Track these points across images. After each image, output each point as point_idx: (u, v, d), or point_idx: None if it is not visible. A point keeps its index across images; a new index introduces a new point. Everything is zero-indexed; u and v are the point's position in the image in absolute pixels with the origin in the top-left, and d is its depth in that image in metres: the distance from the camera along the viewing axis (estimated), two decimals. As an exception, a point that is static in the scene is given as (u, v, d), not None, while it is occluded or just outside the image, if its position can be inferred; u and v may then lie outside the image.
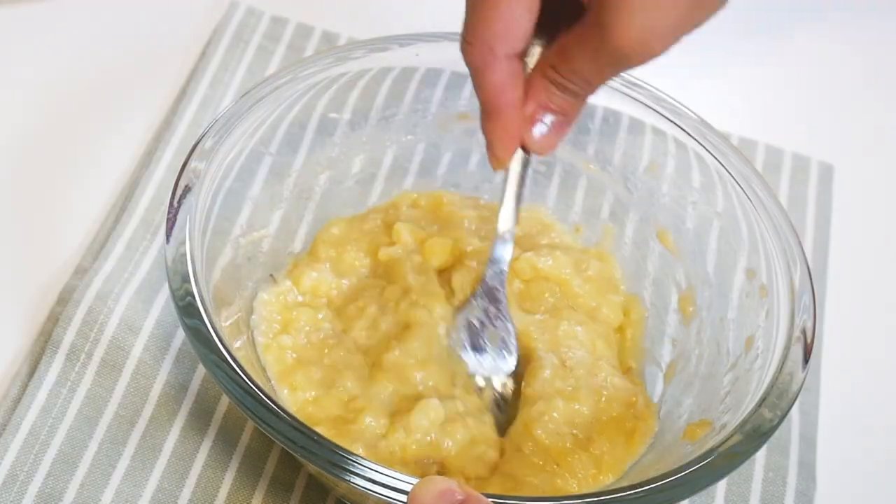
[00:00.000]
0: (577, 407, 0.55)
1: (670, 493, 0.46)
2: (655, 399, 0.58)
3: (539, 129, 0.52)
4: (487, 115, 0.51)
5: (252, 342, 0.57)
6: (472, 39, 0.50)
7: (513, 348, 0.57)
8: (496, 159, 0.53)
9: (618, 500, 0.46)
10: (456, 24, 0.60)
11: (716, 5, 0.48)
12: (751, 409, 0.49)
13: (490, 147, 0.52)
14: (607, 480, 0.53)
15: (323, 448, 0.46)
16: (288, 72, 0.58)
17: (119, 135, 0.69)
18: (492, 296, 0.57)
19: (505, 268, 0.56)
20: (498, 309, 0.57)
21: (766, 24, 0.81)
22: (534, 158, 0.54)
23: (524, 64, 0.51)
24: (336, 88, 0.60)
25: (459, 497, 0.40)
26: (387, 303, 0.58)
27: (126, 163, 0.68)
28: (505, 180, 0.54)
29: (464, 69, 0.62)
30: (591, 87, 0.50)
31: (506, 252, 0.56)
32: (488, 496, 0.42)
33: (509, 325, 0.57)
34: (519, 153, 0.53)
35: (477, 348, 0.56)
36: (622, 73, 0.60)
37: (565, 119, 0.52)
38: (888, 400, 0.64)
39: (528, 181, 0.55)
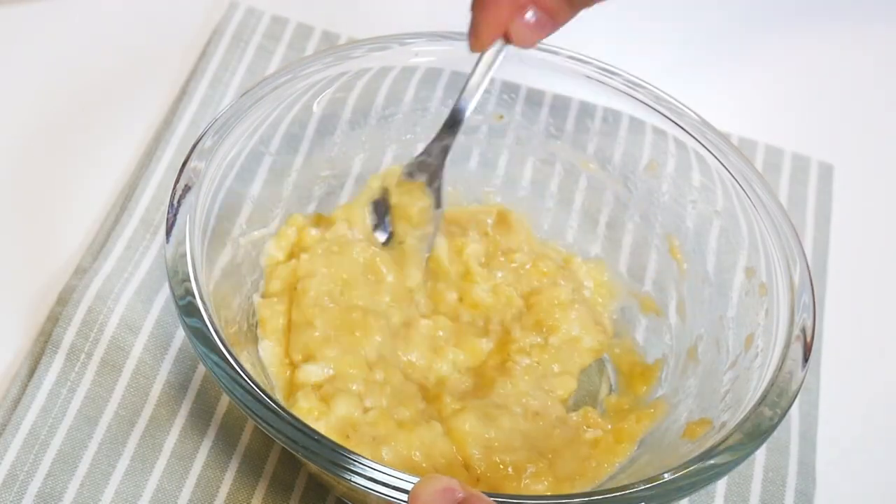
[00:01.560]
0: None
1: (670, 492, 0.46)
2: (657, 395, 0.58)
3: (524, 21, 0.53)
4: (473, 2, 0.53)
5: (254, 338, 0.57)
6: None
7: None
8: (478, 41, 0.54)
9: (617, 500, 0.46)
10: (455, 24, 0.60)
11: None
12: (751, 408, 0.49)
13: (474, 28, 0.54)
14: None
15: (323, 448, 0.46)
16: (288, 71, 0.58)
17: (119, 135, 0.69)
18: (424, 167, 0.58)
19: (450, 143, 0.58)
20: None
21: (766, 24, 0.81)
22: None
23: None
24: (336, 88, 0.60)
25: (460, 495, 0.40)
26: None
27: (126, 163, 0.68)
28: (476, 62, 0.56)
29: (464, 69, 0.62)
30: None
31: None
32: (489, 495, 0.42)
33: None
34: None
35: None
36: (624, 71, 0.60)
37: (551, 20, 0.53)
38: (888, 399, 0.64)
39: (496, 67, 0.56)
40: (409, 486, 0.44)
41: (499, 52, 0.55)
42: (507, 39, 0.54)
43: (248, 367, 0.48)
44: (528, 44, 0.54)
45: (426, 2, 0.78)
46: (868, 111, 0.77)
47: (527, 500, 0.48)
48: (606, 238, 0.64)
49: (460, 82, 0.63)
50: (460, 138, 0.64)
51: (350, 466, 0.45)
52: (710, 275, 0.59)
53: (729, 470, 0.48)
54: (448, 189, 0.64)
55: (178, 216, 0.52)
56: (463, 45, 0.60)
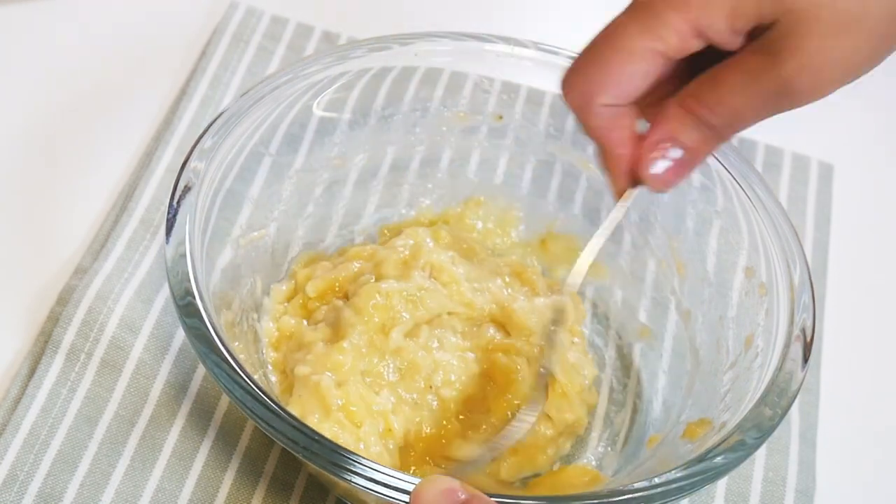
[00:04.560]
0: None
1: (670, 492, 0.46)
2: (657, 402, 0.58)
3: (657, 163, 0.47)
4: (598, 149, 0.49)
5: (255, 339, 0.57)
6: (572, 80, 0.46)
7: None
8: (616, 190, 0.50)
9: (617, 500, 0.46)
10: (456, 24, 0.60)
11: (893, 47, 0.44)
12: (751, 408, 0.49)
13: (608, 178, 0.49)
14: None
15: (323, 448, 0.46)
16: (288, 71, 0.58)
17: (119, 134, 0.69)
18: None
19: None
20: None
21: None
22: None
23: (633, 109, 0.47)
24: (336, 88, 0.60)
25: (462, 496, 0.40)
26: None
27: (126, 163, 0.68)
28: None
29: (463, 69, 0.62)
30: (736, 124, 0.45)
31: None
32: (491, 496, 0.42)
33: None
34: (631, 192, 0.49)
35: None
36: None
37: (690, 158, 0.47)
38: (888, 399, 0.64)
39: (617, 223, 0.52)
40: (408, 487, 0.44)
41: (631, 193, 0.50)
42: (640, 182, 0.48)
43: (247, 367, 0.48)
44: (664, 188, 0.48)
45: (426, 2, 0.78)
46: (868, 111, 0.77)
47: (527, 500, 0.48)
48: (606, 238, 0.64)
49: (460, 82, 0.63)
50: (460, 138, 0.64)
51: (350, 467, 0.45)
52: (709, 275, 0.59)
53: (729, 470, 0.48)
54: (447, 190, 0.65)
55: (178, 216, 0.52)
56: (463, 46, 0.61)
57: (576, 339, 0.60)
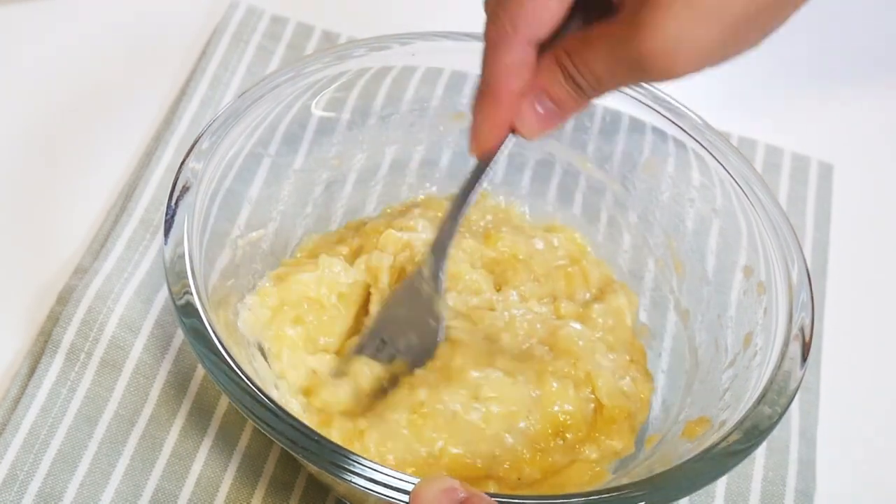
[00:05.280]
0: None
1: (669, 491, 0.46)
2: (656, 401, 0.58)
3: (530, 110, 0.49)
4: (483, 95, 0.49)
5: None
6: (497, 12, 0.47)
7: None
8: (477, 144, 0.51)
9: (617, 499, 0.46)
10: (455, 23, 0.60)
11: (751, 42, 0.45)
12: (750, 407, 0.49)
13: (475, 130, 0.50)
14: None
15: (323, 448, 0.46)
16: (287, 71, 0.58)
17: (119, 134, 0.69)
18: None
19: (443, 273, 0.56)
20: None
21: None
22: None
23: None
24: (336, 88, 0.60)
25: (462, 496, 0.40)
26: None
27: (126, 163, 0.68)
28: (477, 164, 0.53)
29: (463, 69, 0.62)
30: (598, 88, 0.47)
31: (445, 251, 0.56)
32: (491, 496, 0.42)
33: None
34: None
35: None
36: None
37: (559, 112, 0.49)
38: (888, 399, 0.64)
39: (492, 171, 0.53)
40: (408, 487, 0.44)
41: (503, 146, 0.51)
42: (512, 130, 0.50)
43: (246, 367, 0.48)
44: (534, 136, 0.50)
45: (426, 2, 0.78)
46: (868, 111, 0.77)
47: (527, 501, 0.48)
48: (606, 238, 0.64)
49: (460, 82, 0.63)
50: (460, 138, 0.64)
51: (349, 467, 0.45)
52: (708, 274, 0.59)
53: (728, 469, 0.48)
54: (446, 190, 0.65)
55: (177, 217, 0.52)
56: (463, 46, 0.61)
57: (627, 357, 0.58)
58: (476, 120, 0.50)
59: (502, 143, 0.51)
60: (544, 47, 0.48)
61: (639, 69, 0.45)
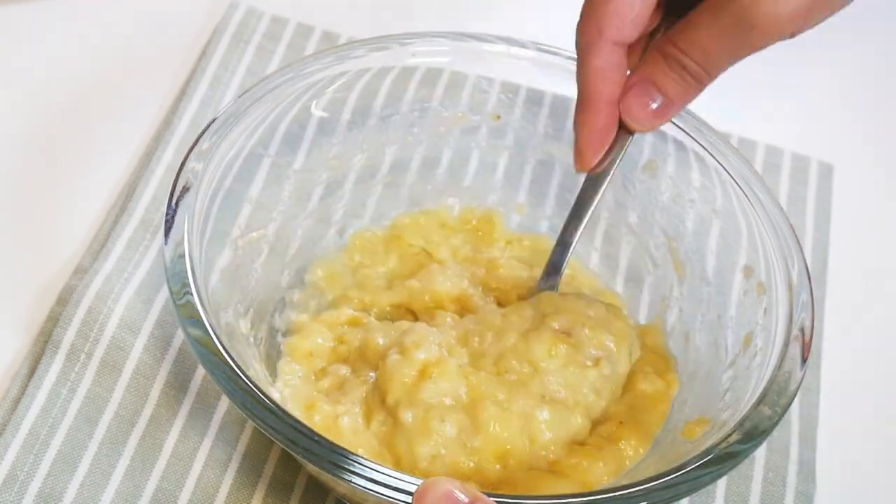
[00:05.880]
0: None
1: (669, 491, 0.46)
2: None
3: (636, 104, 0.49)
4: (580, 105, 0.49)
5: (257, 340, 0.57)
6: (585, 18, 0.48)
7: None
8: (580, 157, 0.50)
9: (617, 500, 0.46)
10: (456, 24, 0.60)
11: None
12: (750, 407, 0.49)
13: (576, 142, 0.50)
14: None
15: (323, 448, 0.46)
16: (286, 71, 0.58)
17: (119, 134, 0.69)
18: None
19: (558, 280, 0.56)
20: None
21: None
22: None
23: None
24: (336, 88, 0.60)
25: (464, 498, 0.40)
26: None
27: (126, 163, 0.68)
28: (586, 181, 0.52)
29: (463, 69, 0.62)
30: (706, 66, 0.47)
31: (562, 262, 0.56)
32: (491, 496, 0.42)
33: None
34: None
35: None
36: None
37: (668, 103, 0.49)
38: (889, 399, 0.64)
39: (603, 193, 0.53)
40: (408, 487, 0.44)
41: (621, 150, 0.51)
42: (629, 131, 0.50)
43: (246, 367, 0.48)
44: (646, 129, 0.50)
45: (426, 2, 0.78)
46: (868, 111, 0.77)
47: (527, 501, 0.48)
48: (606, 238, 0.64)
49: (460, 82, 0.63)
50: (460, 138, 0.64)
51: (350, 467, 0.45)
52: (708, 274, 0.59)
53: (729, 470, 0.48)
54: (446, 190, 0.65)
55: (177, 217, 0.52)
56: (463, 46, 0.61)
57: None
58: (576, 133, 0.50)
59: (604, 149, 0.50)
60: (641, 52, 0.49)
61: (749, 28, 0.45)
